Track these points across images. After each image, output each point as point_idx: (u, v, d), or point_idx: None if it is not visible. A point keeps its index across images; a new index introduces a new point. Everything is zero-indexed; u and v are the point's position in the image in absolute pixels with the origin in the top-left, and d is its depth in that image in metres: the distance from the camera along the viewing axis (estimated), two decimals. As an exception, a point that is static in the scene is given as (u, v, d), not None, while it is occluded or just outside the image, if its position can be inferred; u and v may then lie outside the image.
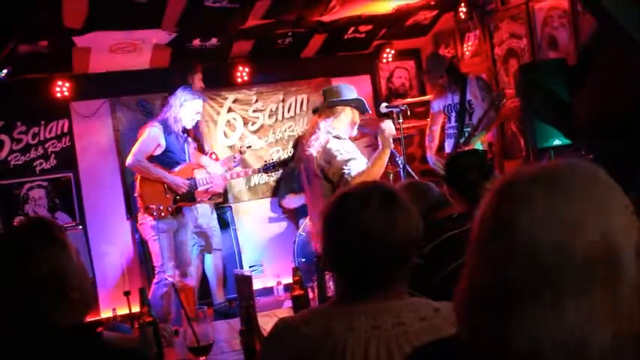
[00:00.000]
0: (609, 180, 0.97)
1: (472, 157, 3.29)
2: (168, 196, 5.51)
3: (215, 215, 6.31)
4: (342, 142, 4.71)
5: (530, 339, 0.90)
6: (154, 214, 5.39)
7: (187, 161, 5.71)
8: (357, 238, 1.65)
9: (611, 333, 0.89)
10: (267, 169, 6.08)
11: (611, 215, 0.92)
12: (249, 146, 6.88)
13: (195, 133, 6.16)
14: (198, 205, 5.87)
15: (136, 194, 5.57)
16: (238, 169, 6.07)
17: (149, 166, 5.46)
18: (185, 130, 5.68)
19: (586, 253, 0.89)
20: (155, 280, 5.46)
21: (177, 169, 5.59)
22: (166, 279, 5.38)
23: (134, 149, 5.48)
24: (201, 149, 6.30)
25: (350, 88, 5.04)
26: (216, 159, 6.24)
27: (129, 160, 5.49)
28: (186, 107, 5.57)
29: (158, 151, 5.51)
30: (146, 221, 5.46)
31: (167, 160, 5.56)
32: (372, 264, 1.65)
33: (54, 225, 1.83)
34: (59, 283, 1.69)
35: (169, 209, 5.48)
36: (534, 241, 0.91)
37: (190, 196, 5.62)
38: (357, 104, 4.89)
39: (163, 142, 5.51)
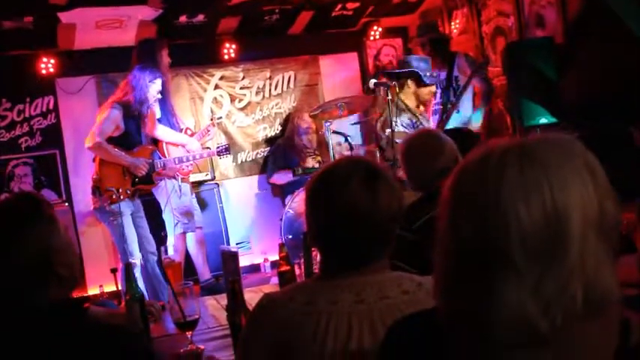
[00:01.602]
0: (583, 153, 0.98)
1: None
2: (126, 178, 5.48)
3: (194, 194, 6.29)
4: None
5: (501, 309, 0.92)
6: (114, 196, 5.34)
7: (144, 143, 5.68)
8: (339, 214, 1.66)
9: (543, 304, 0.91)
10: (220, 152, 6.07)
11: (570, 188, 0.94)
12: (220, 117, 6.91)
13: (169, 111, 6.12)
14: (181, 184, 5.87)
15: (94, 176, 5.49)
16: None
17: (109, 148, 5.41)
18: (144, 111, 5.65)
19: (535, 222, 0.92)
20: (121, 266, 5.43)
21: (134, 151, 5.57)
22: (132, 262, 5.35)
23: (94, 130, 5.40)
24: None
25: (417, 59, 5.37)
26: (192, 134, 6.21)
27: (90, 142, 5.40)
28: (151, 88, 5.53)
29: (116, 133, 5.47)
30: (104, 204, 5.41)
31: (125, 142, 5.51)
32: (355, 239, 1.66)
33: (42, 200, 1.82)
34: (47, 259, 1.69)
35: (128, 192, 5.45)
36: (494, 208, 0.93)
37: (148, 179, 5.60)
38: (409, 75, 5.22)
39: (122, 125, 5.47)
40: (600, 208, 0.95)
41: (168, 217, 5.91)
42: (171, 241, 5.94)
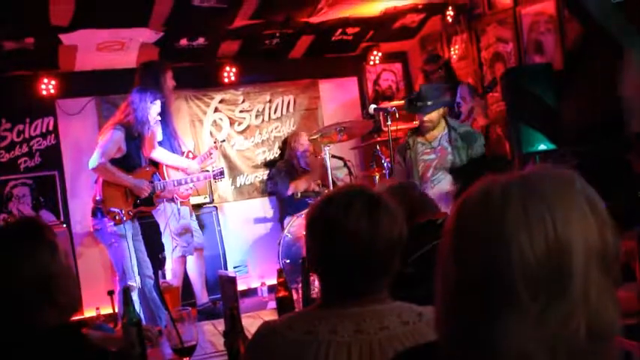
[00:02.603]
0: (583, 187, 0.99)
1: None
2: (129, 200, 5.47)
3: (194, 216, 6.28)
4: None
5: (504, 343, 0.92)
6: (117, 218, 5.32)
7: (143, 164, 5.69)
8: (340, 244, 1.65)
9: (549, 338, 0.91)
10: (215, 175, 6.07)
11: (572, 221, 0.94)
12: (224, 140, 6.89)
13: (171, 134, 6.12)
14: (180, 207, 5.87)
15: (97, 197, 5.44)
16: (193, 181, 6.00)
17: (113, 170, 5.39)
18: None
19: (539, 255, 0.92)
20: (119, 289, 5.40)
21: (136, 171, 5.57)
22: (131, 285, 5.31)
23: (98, 152, 5.38)
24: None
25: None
26: (194, 157, 6.21)
27: (94, 163, 5.36)
28: (152, 110, 5.55)
29: (118, 155, 5.46)
30: (106, 226, 5.37)
31: (125, 163, 5.50)
32: (356, 268, 1.66)
33: (45, 226, 1.82)
34: (47, 286, 1.69)
35: (130, 213, 5.44)
36: (497, 241, 0.93)
37: (149, 201, 5.60)
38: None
39: (124, 146, 5.47)
40: (602, 242, 0.95)
41: (167, 240, 5.90)
42: (169, 264, 5.92)
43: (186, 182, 5.87)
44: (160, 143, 5.94)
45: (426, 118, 5.41)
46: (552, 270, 0.92)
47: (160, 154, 5.91)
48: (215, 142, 6.37)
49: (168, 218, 5.82)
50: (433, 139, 5.46)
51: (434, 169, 5.45)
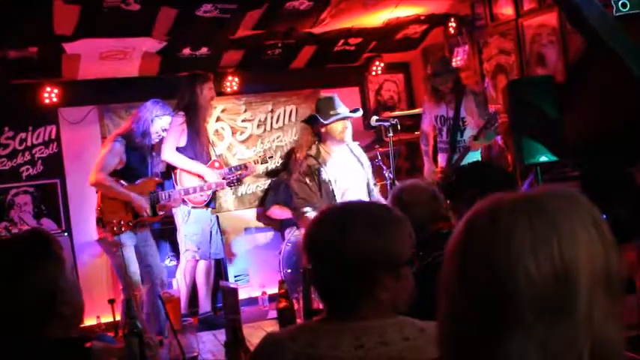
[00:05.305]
0: (589, 208, 0.99)
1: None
2: (129, 210, 5.51)
3: (215, 222, 6.27)
4: None
5: None
6: (115, 228, 5.36)
7: (149, 175, 5.71)
8: (339, 259, 1.66)
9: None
10: (230, 183, 6.07)
11: (578, 242, 0.95)
12: (271, 156, 6.92)
13: (197, 141, 6.10)
14: (191, 210, 5.87)
15: (97, 208, 5.51)
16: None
17: (113, 185, 5.44)
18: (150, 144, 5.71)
19: (544, 276, 0.92)
20: (122, 298, 5.42)
21: (138, 182, 5.58)
22: (135, 293, 5.33)
23: (97, 166, 5.44)
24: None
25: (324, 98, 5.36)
26: (220, 167, 6.21)
27: (93, 179, 5.44)
28: (156, 123, 5.57)
29: (119, 166, 5.51)
30: (106, 236, 5.43)
31: (128, 174, 5.55)
32: (356, 282, 1.66)
33: (52, 239, 1.82)
34: (53, 299, 1.70)
35: (130, 224, 5.46)
36: (503, 261, 0.94)
37: (152, 211, 5.62)
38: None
39: (125, 158, 5.50)
40: (607, 263, 0.95)
41: (180, 242, 5.95)
42: (180, 267, 5.97)
43: (194, 191, 5.85)
44: (183, 149, 5.93)
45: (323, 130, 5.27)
46: (558, 291, 0.92)
47: (173, 157, 5.89)
48: (261, 157, 6.49)
49: (179, 221, 5.85)
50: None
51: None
